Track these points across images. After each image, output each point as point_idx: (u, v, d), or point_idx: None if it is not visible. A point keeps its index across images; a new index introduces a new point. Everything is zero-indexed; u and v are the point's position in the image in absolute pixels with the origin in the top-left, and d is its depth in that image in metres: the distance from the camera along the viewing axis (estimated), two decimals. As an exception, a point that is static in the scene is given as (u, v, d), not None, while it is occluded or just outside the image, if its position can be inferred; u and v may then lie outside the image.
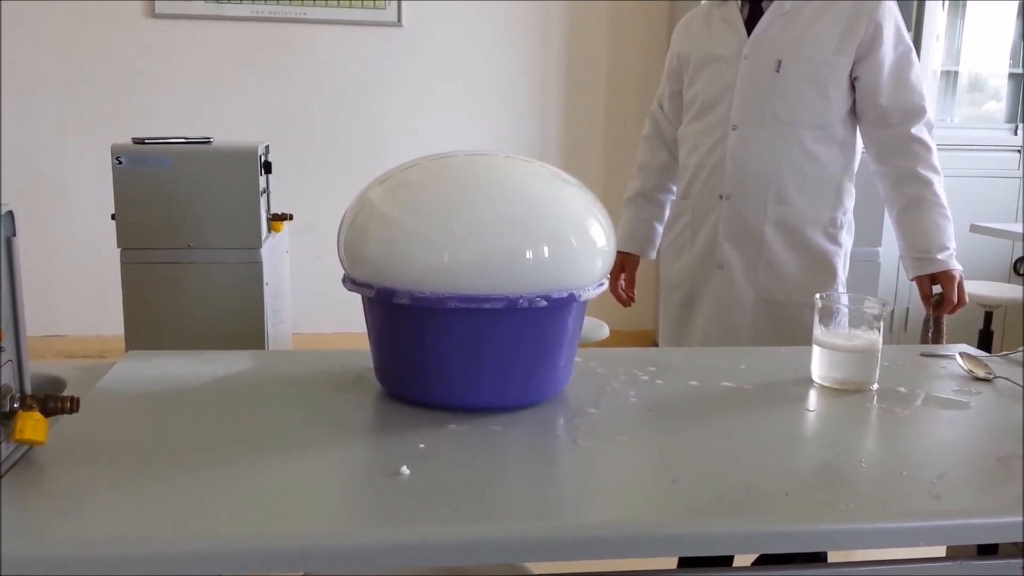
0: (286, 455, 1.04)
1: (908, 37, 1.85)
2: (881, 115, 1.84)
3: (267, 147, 2.47)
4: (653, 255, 2.16)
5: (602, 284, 1.24)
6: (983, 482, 1.02)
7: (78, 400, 1.01)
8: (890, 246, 2.33)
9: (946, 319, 1.81)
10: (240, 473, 0.98)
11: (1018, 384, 1.37)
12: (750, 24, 1.88)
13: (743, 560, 1.47)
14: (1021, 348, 1.55)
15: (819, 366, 1.36)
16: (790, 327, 1.87)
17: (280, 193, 2.69)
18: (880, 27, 1.80)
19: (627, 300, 2.14)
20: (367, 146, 4.18)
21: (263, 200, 2.40)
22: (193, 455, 1.03)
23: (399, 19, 4.10)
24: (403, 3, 4.09)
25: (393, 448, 1.07)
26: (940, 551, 1.15)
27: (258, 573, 0.83)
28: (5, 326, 0.95)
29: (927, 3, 4.08)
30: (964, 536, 0.97)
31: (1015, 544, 1.02)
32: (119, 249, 2.30)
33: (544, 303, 1.14)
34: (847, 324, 1.36)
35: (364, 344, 1.30)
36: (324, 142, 4.17)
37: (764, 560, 1.61)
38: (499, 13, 4.20)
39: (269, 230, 2.46)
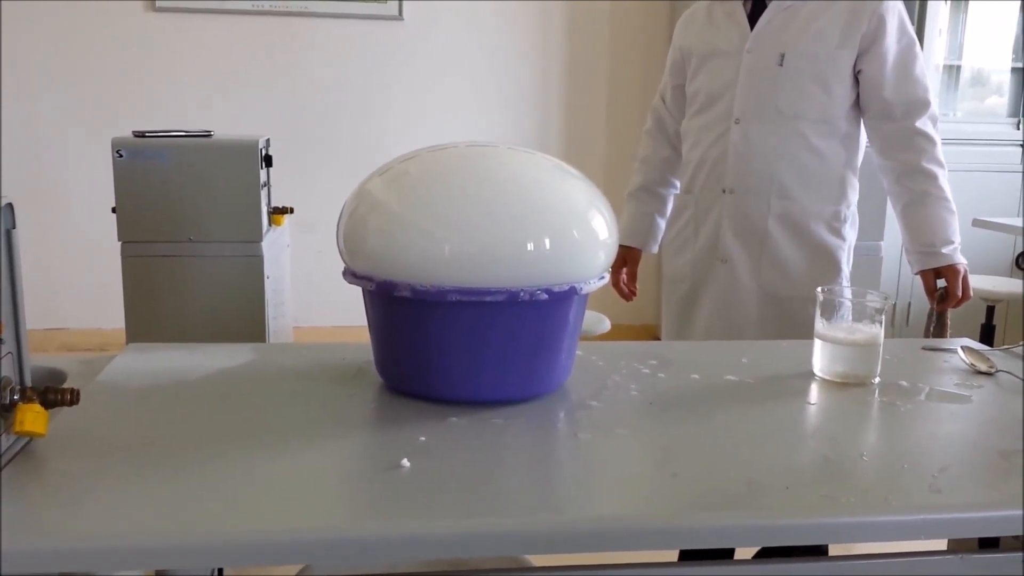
0: (286, 448, 1.04)
1: (912, 30, 1.84)
2: (885, 109, 1.83)
3: (268, 140, 2.46)
4: (655, 249, 2.16)
5: (603, 277, 1.24)
6: (984, 476, 1.02)
7: (78, 392, 1.01)
8: (892, 240, 2.33)
9: (950, 313, 1.81)
10: (240, 466, 0.98)
11: (1019, 378, 1.36)
12: (753, 18, 1.87)
13: (744, 553, 1.46)
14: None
15: (821, 360, 1.36)
16: (794, 321, 1.87)
17: (281, 186, 2.69)
18: (883, 20, 1.79)
19: (629, 294, 2.14)
20: (368, 140, 4.17)
21: (264, 193, 2.39)
22: (193, 448, 1.03)
23: (400, 13, 4.09)
24: (404, -3, 4.08)
25: (393, 441, 1.07)
26: (941, 544, 1.15)
27: (258, 566, 0.83)
28: (5, 319, 0.95)
29: (930, -3, 4.07)
30: (965, 529, 0.97)
31: (1016, 537, 1.02)
32: (120, 242, 2.30)
33: (545, 296, 1.14)
34: (849, 318, 1.35)
35: (365, 337, 1.30)
36: (325, 136, 4.16)
37: (765, 553, 1.61)
38: (500, 6, 4.19)
39: (270, 223, 2.46)
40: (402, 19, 4.10)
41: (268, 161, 2.45)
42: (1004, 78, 4.41)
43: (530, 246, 1.13)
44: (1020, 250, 3.98)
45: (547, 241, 1.14)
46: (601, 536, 0.88)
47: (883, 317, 1.34)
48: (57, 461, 0.98)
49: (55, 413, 1.02)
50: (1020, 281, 3.65)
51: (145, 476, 0.95)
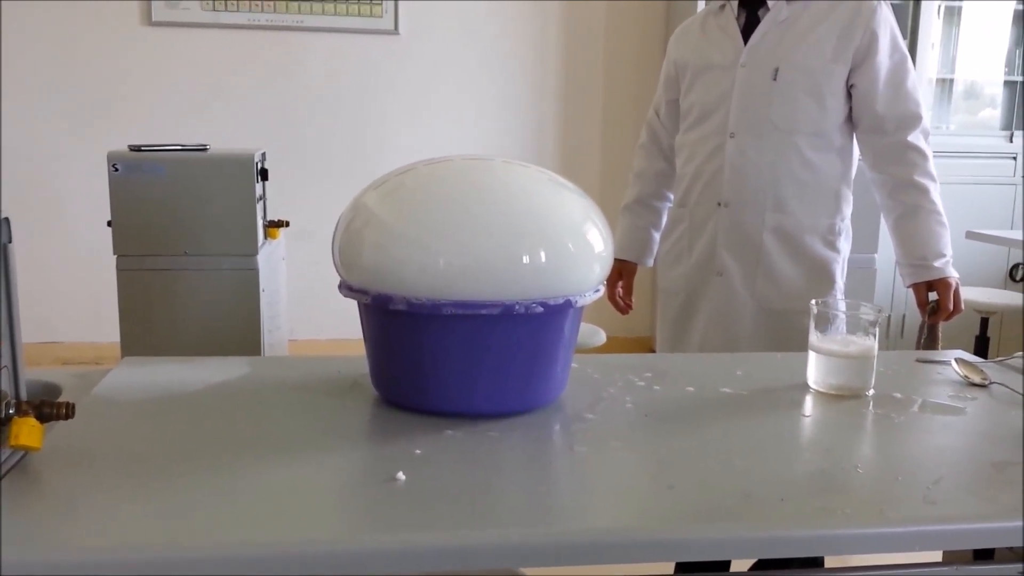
0: (282, 461, 1.04)
1: (904, 45, 1.86)
2: (877, 123, 1.84)
3: (263, 154, 2.47)
4: (651, 262, 2.17)
5: (599, 290, 1.24)
6: (978, 487, 1.02)
7: (74, 406, 1.01)
8: (886, 252, 2.34)
9: (942, 326, 1.81)
10: (236, 479, 0.98)
11: (1012, 390, 1.37)
12: (747, 32, 1.89)
13: (740, 565, 1.46)
14: (1017, 354, 1.55)
15: (815, 372, 1.36)
16: (789, 334, 1.87)
17: (276, 200, 2.69)
18: (876, 35, 1.81)
19: (625, 307, 2.14)
20: (364, 153, 4.18)
21: (259, 207, 2.40)
22: (189, 461, 1.03)
23: (396, 27, 4.11)
24: (400, 11, 4.09)
25: (389, 454, 1.07)
26: (936, 556, 1.15)
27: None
28: (1, 333, 0.95)
29: (922, 11, 4.10)
30: (959, 541, 0.97)
31: (1011, 549, 1.02)
32: (115, 256, 2.30)
33: (540, 309, 1.14)
34: (843, 330, 1.36)
35: (360, 350, 1.30)
36: (321, 149, 4.17)
37: (761, 565, 1.60)
38: (495, 20, 4.21)
39: (265, 237, 2.46)
40: (398, 33, 4.12)
41: (264, 175, 2.46)
42: (997, 91, 4.44)
43: (525, 259, 1.13)
44: (1014, 262, 4.01)
45: (542, 254, 1.14)
46: (597, 549, 0.88)
47: (877, 329, 1.35)
48: (52, 475, 0.98)
49: (50, 427, 1.02)
50: (1014, 293, 3.66)
51: (140, 489, 0.95)
